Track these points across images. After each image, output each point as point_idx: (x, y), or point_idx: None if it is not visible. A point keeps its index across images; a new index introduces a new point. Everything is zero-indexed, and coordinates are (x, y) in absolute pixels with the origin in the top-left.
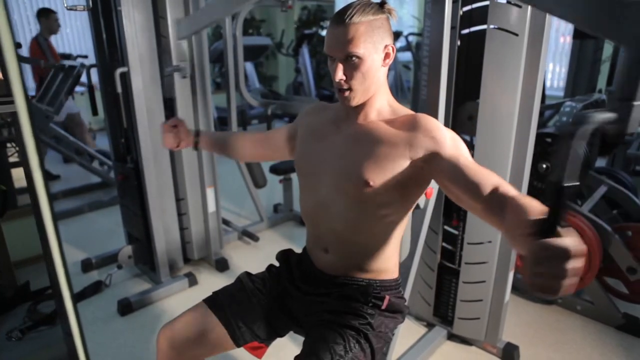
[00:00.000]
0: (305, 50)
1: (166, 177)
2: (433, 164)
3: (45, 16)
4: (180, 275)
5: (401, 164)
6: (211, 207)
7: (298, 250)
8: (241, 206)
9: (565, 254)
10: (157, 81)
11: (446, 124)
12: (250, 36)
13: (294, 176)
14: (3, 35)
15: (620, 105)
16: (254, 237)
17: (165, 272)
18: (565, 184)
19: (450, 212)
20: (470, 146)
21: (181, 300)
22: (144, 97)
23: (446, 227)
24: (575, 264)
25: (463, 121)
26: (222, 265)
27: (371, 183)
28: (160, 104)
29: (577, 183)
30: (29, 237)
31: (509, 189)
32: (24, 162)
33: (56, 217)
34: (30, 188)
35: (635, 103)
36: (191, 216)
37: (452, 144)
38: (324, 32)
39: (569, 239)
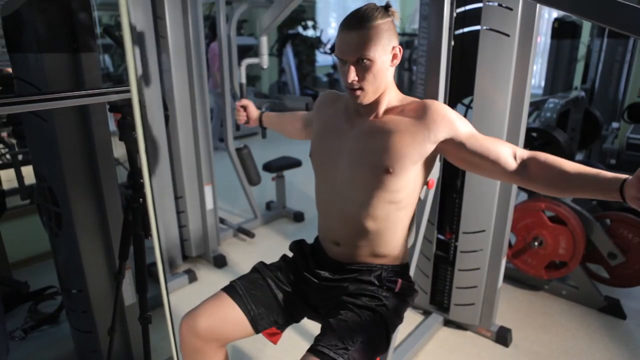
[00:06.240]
0: (289, 50)
1: (165, 175)
2: (452, 143)
3: None
4: (180, 272)
5: (422, 149)
6: (209, 204)
7: None
8: (234, 204)
9: None
10: (157, 81)
11: None
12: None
13: (286, 174)
14: (125, 35)
15: None
16: (249, 234)
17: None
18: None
19: (444, 224)
20: None
21: (181, 296)
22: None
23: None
24: None
25: None
26: (220, 261)
27: (391, 170)
28: (159, 104)
29: None
30: (23, 238)
31: (525, 153)
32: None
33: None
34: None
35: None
36: (189, 214)
37: (464, 123)
38: (305, 32)
39: None
